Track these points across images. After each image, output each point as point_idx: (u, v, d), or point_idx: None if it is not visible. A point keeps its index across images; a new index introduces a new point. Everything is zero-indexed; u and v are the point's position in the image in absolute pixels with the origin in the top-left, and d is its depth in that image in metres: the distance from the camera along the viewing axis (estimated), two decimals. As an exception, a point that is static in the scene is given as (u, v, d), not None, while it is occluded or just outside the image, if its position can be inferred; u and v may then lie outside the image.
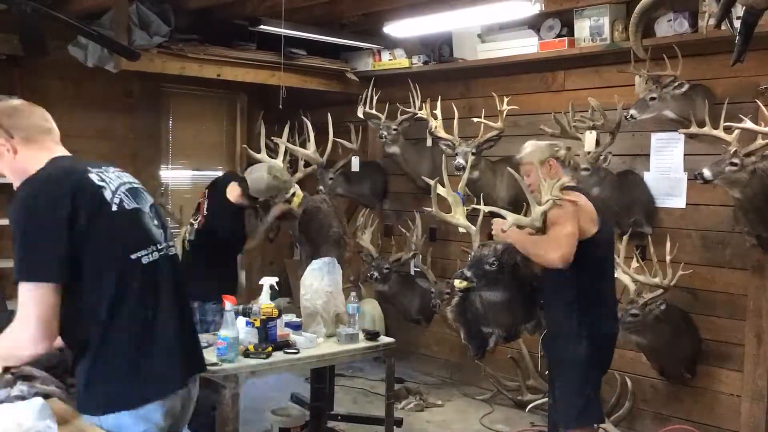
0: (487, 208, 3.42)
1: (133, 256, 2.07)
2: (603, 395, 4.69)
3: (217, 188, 4.51)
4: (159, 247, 2.16)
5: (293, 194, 4.67)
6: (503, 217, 3.27)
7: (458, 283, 3.47)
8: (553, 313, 3.35)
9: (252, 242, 4.71)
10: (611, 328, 3.33)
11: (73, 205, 1.96)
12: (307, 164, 5.37)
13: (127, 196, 2.13)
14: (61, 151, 2.18)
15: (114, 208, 2.06)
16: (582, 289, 3.16)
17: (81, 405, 2.07)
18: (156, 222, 2.20)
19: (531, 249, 3.21)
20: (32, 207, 1.97)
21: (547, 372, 3.41)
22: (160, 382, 2.09)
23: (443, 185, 3.55)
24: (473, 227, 3.45)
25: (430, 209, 3.54)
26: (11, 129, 2.11)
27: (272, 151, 6.68)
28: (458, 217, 3.53)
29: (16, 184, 2.12)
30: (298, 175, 4.76)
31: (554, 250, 3.04)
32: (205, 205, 4.45)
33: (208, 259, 4.34)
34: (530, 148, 3.41)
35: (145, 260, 2.10)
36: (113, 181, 2.12)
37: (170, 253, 2.22)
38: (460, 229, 3.61)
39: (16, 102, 2.25)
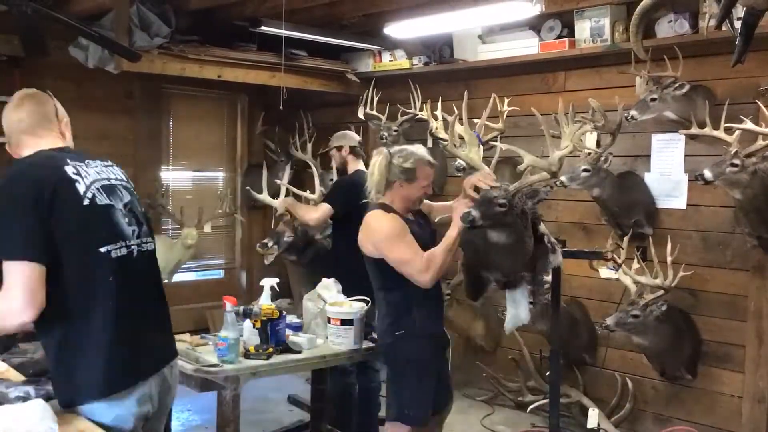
0: (505, 146, 3.40)
1: (102, 250, 2.13)
2: (603, 396, 4.73)
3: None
4: (128, 243, 2.22)
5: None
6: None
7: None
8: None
9: None
10: None
11: (41, 193, 2.05)
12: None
13: (100, 192, 2.19)
14: (53, 142, 2.28)
15: (86, 202, 2.13)
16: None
17: (55, 394, 2.13)
18: (128, 219, 2.26)
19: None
20: (8, 191, 2.07)
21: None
22: (128, 371, 2.16)
23: (461, 123, 3.49)
24: (486, 167, 3.41)
25: (445, 141, 3.49)
26: (11, 122, 2.31)
27: (272, 152, 6.71)
28: (472, 155, 3.47)
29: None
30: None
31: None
32: None
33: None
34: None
35: (114, 254, 2.16)
36: (89, 176, 2.19)
37: (143, 249, 2.29)
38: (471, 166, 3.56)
39: (18, 94, 2.45)
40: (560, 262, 3.50)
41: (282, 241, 4.69)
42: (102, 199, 2.18)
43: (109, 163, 2.36)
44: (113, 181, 2.27)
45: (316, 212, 4.44)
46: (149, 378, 2.22)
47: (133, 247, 2.23)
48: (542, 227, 3.60)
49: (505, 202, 3.21)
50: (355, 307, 3.68)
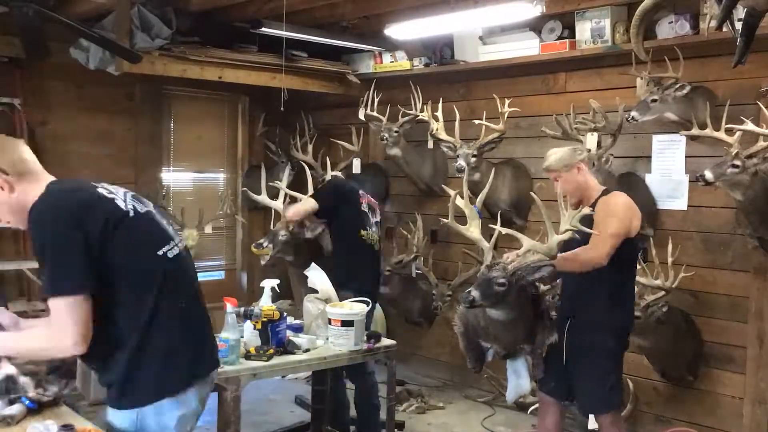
0: (504, 230, 3.48)
1: (160, 252, 2.17)
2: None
3: (357, 183, 4.88)
4: (176, 242, 2.25)
5: None
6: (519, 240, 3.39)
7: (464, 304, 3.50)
8: (584, 303, 3.42)
9: None
10: (630, 321, 3.55)
11: (84, 218, 2.02)
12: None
13: (134, 201, 2.20)
14: (51, 177, 2.17)
15: (131, 214, 2.14)
16: (618, 284, 3.36)
17: (117, 400, 2.12)
18: (165, 221, 2.28)
19: (578, 267, 3.32)
20: (48, 224, 2.01)
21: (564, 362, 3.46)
22: (197, 369, 2.21)
23: (462, 197, 3.58)
24: (486, 243, 3.46)
25: (446, 219, 3.56)
26: (3, 166, 2.08)
27: (273, 154, 6.71)
28: (473, 230, 3.54)
29: (18, 224, 2.14)
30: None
31: (597, 252, 3.24)
32: (372, 198, 4.64)
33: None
34: (556, 154, 3.50)
35: (170, 254, 2.19)
36: (119, 190, 2.19)
37: (183, 246, 2.30)
38: (471, 235, 3.61)
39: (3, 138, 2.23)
40: (555, 339, 3.57)
41: (277, 240, 4.69)
42: (141, 207, 2.20)
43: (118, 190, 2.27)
44: (132, 192, 2.28)
45: (299, 205, 4.53)
46: (207, 377, 2.28)
47: (180, 244, 2.27)
48: (547, 300, 3.70)
49: (504, 281, 3.27)
50: (355, 308, 3.68)
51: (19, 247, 5.66)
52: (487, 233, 3.54)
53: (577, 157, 3.45)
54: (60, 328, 1.97)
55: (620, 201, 3.38)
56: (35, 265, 5.12)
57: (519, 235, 3.41)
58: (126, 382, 2.09)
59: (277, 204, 4.86)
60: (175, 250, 2.21)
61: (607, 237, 3.23)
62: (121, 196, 2.17)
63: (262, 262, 4.82)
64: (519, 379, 3.83)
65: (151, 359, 2.09)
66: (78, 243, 1.98)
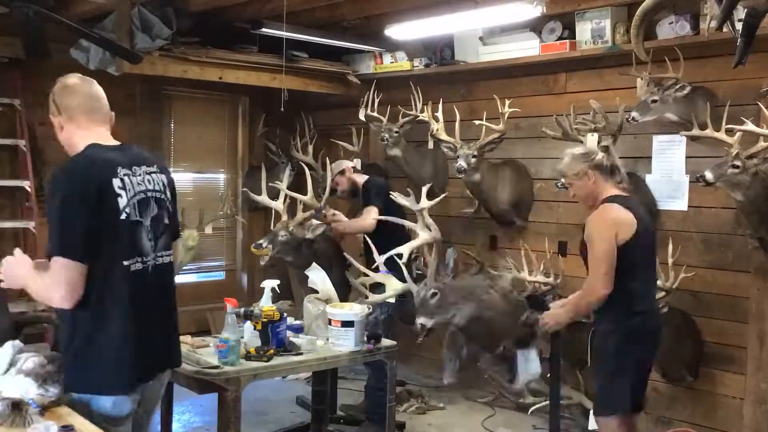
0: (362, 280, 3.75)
1: (124, 263, 2.31)
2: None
3: None
4: (145, 259, 2.38)
5: None
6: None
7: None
8: (598, 313, 3.45)
9: None
10: (640, 324, 3.33)
11: (91, 199, 2.23)
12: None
13: (135, 207, 2.34)
14: (100, 134, 2.41)
15: (122, 216, 2.30)
16: (618, 290, 3.25)
17: (68, 381, 2.29)
18: (150, 235, 2.41)
19: (583, 310, 3.45)
20: (64, 190, 2.24)
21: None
22: (135, 375, 2.36)
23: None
24: (415, 286, 3.63)
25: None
26: (60, 107, 2.40)
27: (273, 154, 6.71)
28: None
29: (69, 152, 2.41)
30: (298, 218, 4.75)
31: (598, 290, 3.24)
32: None
33: None
34: (567, 159, 3.46)
35: (132, 268, 2.33)
36: (132, 188, 2.35)
37: (158, 263, 2.44)
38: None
39: (69, 80, 2.46)
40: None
41: (277, 241, 4.69)
42: (134, 216, 2.34)
43: (155, 168, 2.49)
44: (148, 194, 2.41)
45: (366, 219, 4.68)
46: (149, 383, 2.44)
47: (149, 262, 2.39)
48: (547, 300, 3.92)
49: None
50: (355, 308, 3.69)
51: (19, 247, 5.66)
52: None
53: (586, 163, 3.37)
54: (53, 281, 2.21)
55: (596, 219, 3.32)
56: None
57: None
58: (72, 365, 2.29)
59: (278, 204, 4.85)
60: (137, 266, 2.34)
61: (594, 266, 3.26)
62: (129, 195, 2.32)
63: (262, 263, 4.82)
64: (528, 363, 3.86)
65: (92, 352, 2.29)
66: (83, 217, 2.20)
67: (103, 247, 2.24)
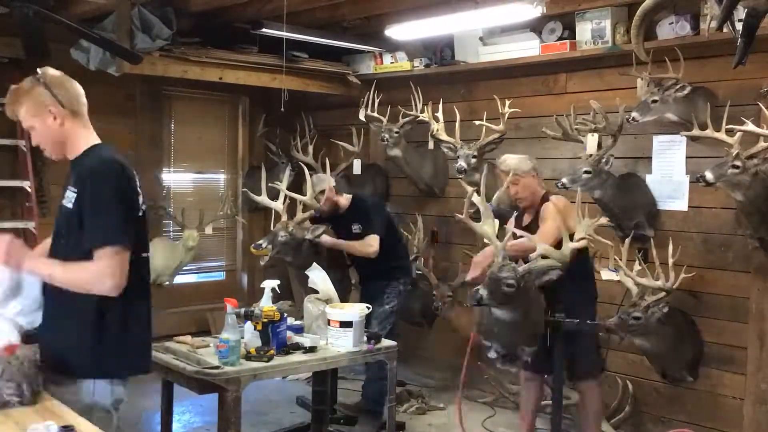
0: (519, 232, 3.66)
1: (143, 255, 2.45)
2: (604, 398, 4.71)
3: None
4: (149, 252, 2.52)
5: None
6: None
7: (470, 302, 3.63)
8: (572, 295, 3.75)
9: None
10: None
11: (132, 192, 2.39)
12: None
13: (143, 204, 2.47)
14: (95, 134, 2.49)
15: (140, 213, 2.44)
16: (592, 276, 3.89)
17: (80, 367, 2.35)
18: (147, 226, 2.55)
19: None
20: (110, 181, 2.33)
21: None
22: (147, 361, 2.53)
23: (479, 194, 3.63)
24: (499, 242, 3.47)
25: (460, 215, 3.59)
26: (63, 100, 2.39)
27: (273, 154, 6.72)
28: (486, 228, 3.56)
29: (51, 153, 2.46)
30: (297, 218, 4.75)
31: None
32: None
33: None
34: (514, 159, 3.98)
35: (147, 259, 2.48)
36: (141, 188, 2.46)
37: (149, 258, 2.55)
38: (485, 240, 3.71)
39: (60, 74, 2.47)
40: None
41: (276, 241, 4.69)
42: (143, 211, 2.47)
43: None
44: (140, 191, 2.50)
45: (372, 246, 4.67)
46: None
47: (148, 253, 2.51)
48: None
49: (513, 283, 3.27)
50: (354, 308, 3.69)
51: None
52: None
53: (532, 164, 3.95)
54: (104, 270, 2.27)
55: (550, 207, 3.83)
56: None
57: (533, 237, 3.43)
58: (93, 351, 2.37)
59: (277, 205, 4.85)
60: (148, 255, 2.49)
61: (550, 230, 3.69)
62: (142, 194, 2.45)
63: (261, 263, 4.82)
64: None
65: (118, 341, 2.39)
66: (128, 208, 2.34)
67: (134, 239, 2.37)
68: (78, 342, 2.34)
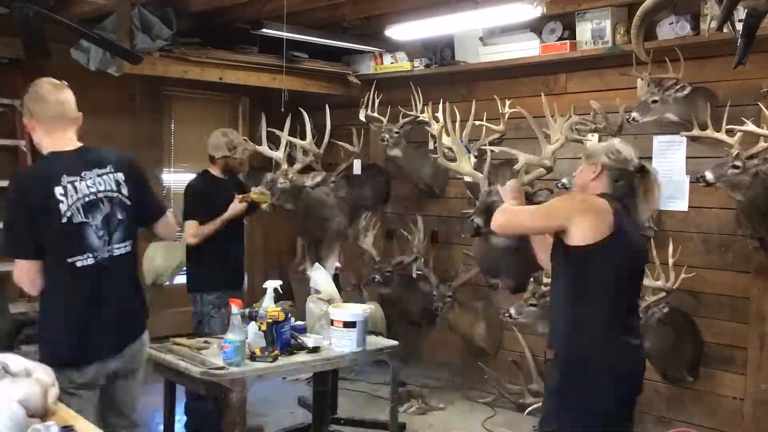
0: (498, 149, 3.44)
1: (69, 260, 2.65)
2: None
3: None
4: (95, 254, 2.70)
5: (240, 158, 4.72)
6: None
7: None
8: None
9: (195, 228, 4.43)
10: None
11: (33, 208, 2.61)
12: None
13: (79, 211, 2.65)
14: (64, 140, 2.74)
15: (64, 220, 2.62)
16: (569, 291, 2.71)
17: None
18: (101, 233, 2.72)
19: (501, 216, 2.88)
20: (13, 198, 2.66)
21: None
22: (88, 350, 2.71)
23: (448, 134, 3.53)
24: (480, 174, 3.43)
25: (436, 156, 3.54)
26: (32, 112, 2.72)
27: (274, 145, 6.70)
28: (463, 165, 3.51)
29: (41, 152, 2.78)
30: (297, 165, 4.77)
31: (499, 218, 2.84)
32: None
33: (207, 245, 4.36)
34: (604, 143, 3.05)
35: (78, 264, 2.66)
36: (76, 194, 2.64)
37: (114, 254, 2.76)
38: (466, 178, 3.54)
39: (41, 88, 2.74)
40: None
41: (276, 188, 4.70)
42: (78, 218, 2.65)
43: (108, 169, 2.79)
44: (99, 194, 2.72)
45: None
46: (111, 357, 2.76)
47: (99, 256, 2.71)
48: None
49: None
50: (358, 308, 3.68)
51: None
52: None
53: (604, 158, 2.81)
54: (18, 277, 2.67)
55: (577, 196, 2.86)
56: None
57: (514, 151, 3.34)
58: (40, 338, 2.78)
59: (278, 154, 4.89)
60: (88, 261, 2.68)
61: (522, 212, 2.85)
62: (71, 201, 2.62)
63: (264, 207, 4.74)
64: None
65: (53, 330, 2.73)
66: (28, 222, 2.61)
67: (48, 247, 2.62)
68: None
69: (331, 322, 3.63)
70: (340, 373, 4.90)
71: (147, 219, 3.01)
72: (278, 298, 3.72)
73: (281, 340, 3.39)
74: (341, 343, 3.59)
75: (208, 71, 5.56)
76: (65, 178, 2.64)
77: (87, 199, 2.68)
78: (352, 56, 6.30)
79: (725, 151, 3.81)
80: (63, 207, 2.62)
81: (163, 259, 5.98)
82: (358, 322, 3.59)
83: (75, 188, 2.66)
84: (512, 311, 4.29)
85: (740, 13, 2.25)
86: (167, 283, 6.28)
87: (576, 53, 4.82)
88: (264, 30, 5.17)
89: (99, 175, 2.74)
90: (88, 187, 2.69)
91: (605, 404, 2.63)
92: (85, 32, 4.29)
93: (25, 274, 2.64)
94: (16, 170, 2.64)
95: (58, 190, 2.62)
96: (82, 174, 2.69)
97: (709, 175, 3.73)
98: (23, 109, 2.75)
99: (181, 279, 6.57)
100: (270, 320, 3.36)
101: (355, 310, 3.66)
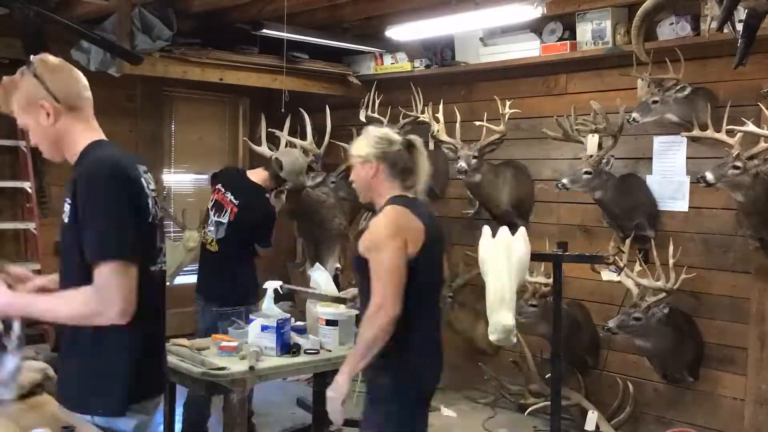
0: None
1: (151, 268, 2.09)
2: (604, 398, 4.72)
3: (234, 178, 4.37)
4: (160, 261, 2.16)
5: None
6: None
7: None
8: None
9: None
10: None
11: (136, 196, 2.01)
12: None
13: (154, 207, 2.12)
14: (99, 130, 2.15)
15: (150, 219, 2.08)
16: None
17: (77, 402, 2.05)
18: (160, 236, 2.19)
19: (370, 345, 2.55)
20: (105, 187, 1.94)
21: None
22: (155, 382, 2.18)
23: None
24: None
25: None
26: (57, 92, 2.06)
27: (274, 146, 6.71)
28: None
29: (46, 152, 2.12)
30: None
31: (390, 310, 2.49)
32: (230, 197, 4.20)
33: (240, 256, 4.17)
34: (362, 137, 2.85)
35: (153, 273, 2.10)
36: (149, 188, 2.10)
37: (163, 267, 2.21)
38: None
39: (63, 65, 2.17)
40: None
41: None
42: (155, 217, 2.11)
43: (146, 167, 2.17)
44: (153, 194, 2.14)
45: None
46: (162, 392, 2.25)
47: (160, 264, 2.18)
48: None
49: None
50: (341, 307, 3.70)
51: (20, 248, 5.67)
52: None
53: (376, 151, 2.70)
54: (104, 293, 1.88)
55: (383, 223, 2.60)
56: (37, 266, 5.15)
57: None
58: (84, 381, 2.04)
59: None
60: (158, 268, 2.14)
61: (384, 280, 2.51)
62: (152, 198, 2.10)
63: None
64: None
65: (115, 365, 2.02)
66: (132, 214, 1.95)
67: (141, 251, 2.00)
68: (77, 375, 2.08)
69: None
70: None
71: None
72: (278, 298, 3.72)
73: (281, 340, 3.40)
74: (325, 341, 3.61)
75: (208, 72, 5.56)
76: (141, 168, 2.10)
77: (153, 195, 2.14)
78: (352, 57, 6.30)
79: (726, 152, 3.81)
80: (150, 203, 2.07)
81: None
82: (340, 321, 3.60)
83: (147, 183, 2.10)
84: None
85: (740, 13, 2.25)
86: (168, 283, 6.29)
87: (576, 54, 4.82)
88: (264, 31, 5.17)
89: (145, 172, 2.15)
90: (148, 183, 2.12)
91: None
92: (85, 33, 4.29)
93: (124, 284, 1.89)
94: (89, 159, 2.02)
95: (144, 182, 2.07)
96: (141, 168, 2.13)
97: (710, 176, 3.73)
98: (31, 91, 2.07)
99: (181, 279, 6.61)
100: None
101: (338, 310, 3.68)
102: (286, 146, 4.92)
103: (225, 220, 4.17)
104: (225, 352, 3.28)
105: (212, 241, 4.22)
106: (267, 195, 4.31)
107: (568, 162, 4.93)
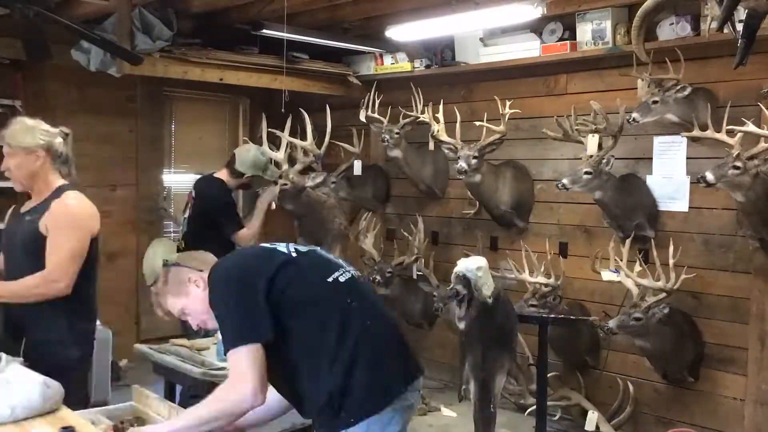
0: None
1: (330, 279, 2.13)
2: (604, 398, 4.72)
3: (201, 179, 4.72)
4: (346, 268, 2.21)
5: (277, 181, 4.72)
6: None
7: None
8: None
9: (247, 232, 4.49)
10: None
11: (260, 266, 2.10)
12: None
13: (294, 246, 2.24)
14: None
15: (294, 255, 2.16)
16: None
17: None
18: (330, 255, 2.32)
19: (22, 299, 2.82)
20: (225, 276, 2.09)
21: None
22: (392, 385, 2.12)
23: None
24: None
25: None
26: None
27: (275, 146, 6.71)
28: None
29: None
30: (297, 166, 4.78)
31: (63, 285, 2.78)
32: (193, 194, 4.58)
33: (211, 249, 4.24)
34: (18, 126, 2.90)
35: (341, 278, 2.15)
36: (279, 244, 2.25)
37: (355, 270, 2.26)
38: None
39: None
40: None
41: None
42: (302, 249, 2.22)
43: None
44: (289, 244, 2.28)
45: None
46: (405, 392, 2.19)
47: (350, 270, 2.24)
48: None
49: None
50: None
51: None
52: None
53: (38, 140, 2.85)
54: (240, 377, 1.94)
55: (76, 207, 2.87)
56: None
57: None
58: (333, 402, 2.04)
59: (278, 155, 4.89)
60: (347, 275, 2.17)
61: (68, 257, 2.77)
62: (282, 246, 2.20)
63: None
64: None
65: (356, 376, 2.03)
66: (256, 291, 2.00)
67: (295, 285, 2.11)
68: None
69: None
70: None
71: None
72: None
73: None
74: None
75: (208, 72, 5.56)
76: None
77: (291, 244, 2.32)
78: (352, 57, 6.30)
79: (726, 152, 3.81)
80: (282, 248, 2.24)
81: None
82: None
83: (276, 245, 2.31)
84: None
85: (741, 13, 2.25)
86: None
87: (576, 54, 4.82)
88: (264, 31, 5.17)
89: None
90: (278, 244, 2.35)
91: None
92: (85, 33, 4.29)
93: (254, 363, 1.96)
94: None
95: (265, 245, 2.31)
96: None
97: (710, 176, 3.72)
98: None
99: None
100: None
101: None
102: (287, 147, 4.92)
103: (187, 215, 4.56)
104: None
105: (182, 237, 4.49)
106: (224, 186, 4.53)
107: (568, 162, 4.93)
